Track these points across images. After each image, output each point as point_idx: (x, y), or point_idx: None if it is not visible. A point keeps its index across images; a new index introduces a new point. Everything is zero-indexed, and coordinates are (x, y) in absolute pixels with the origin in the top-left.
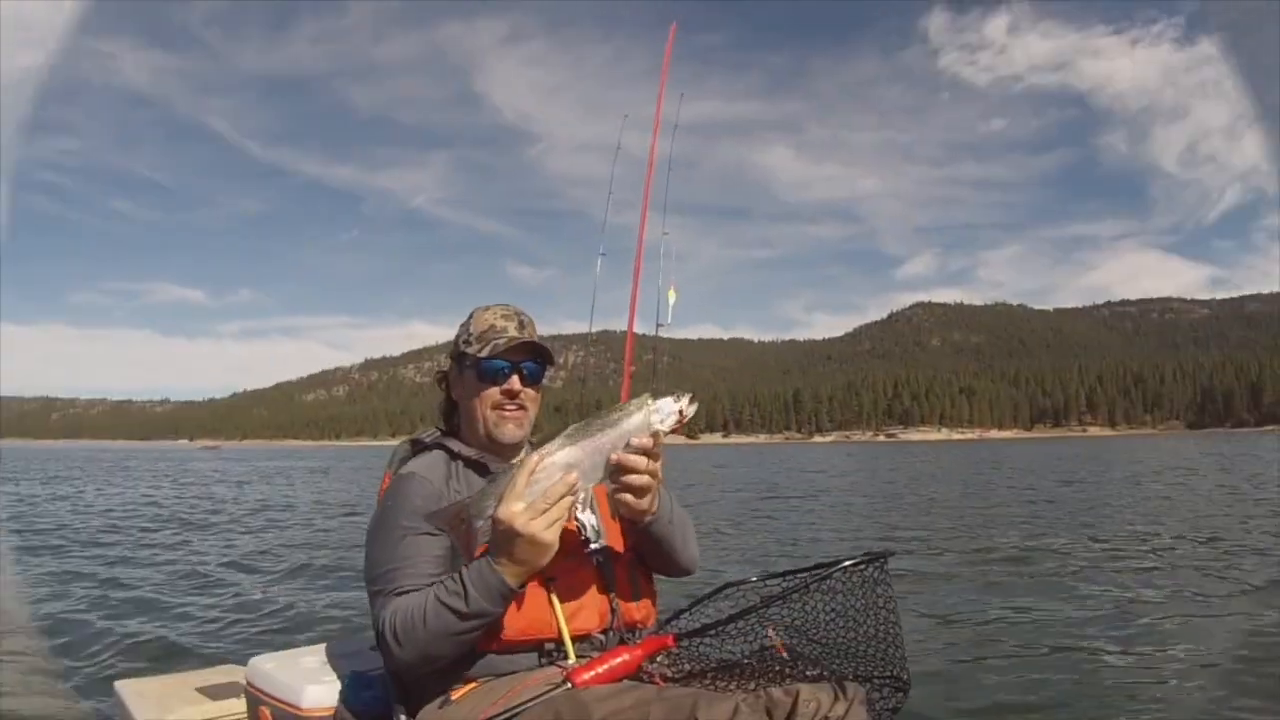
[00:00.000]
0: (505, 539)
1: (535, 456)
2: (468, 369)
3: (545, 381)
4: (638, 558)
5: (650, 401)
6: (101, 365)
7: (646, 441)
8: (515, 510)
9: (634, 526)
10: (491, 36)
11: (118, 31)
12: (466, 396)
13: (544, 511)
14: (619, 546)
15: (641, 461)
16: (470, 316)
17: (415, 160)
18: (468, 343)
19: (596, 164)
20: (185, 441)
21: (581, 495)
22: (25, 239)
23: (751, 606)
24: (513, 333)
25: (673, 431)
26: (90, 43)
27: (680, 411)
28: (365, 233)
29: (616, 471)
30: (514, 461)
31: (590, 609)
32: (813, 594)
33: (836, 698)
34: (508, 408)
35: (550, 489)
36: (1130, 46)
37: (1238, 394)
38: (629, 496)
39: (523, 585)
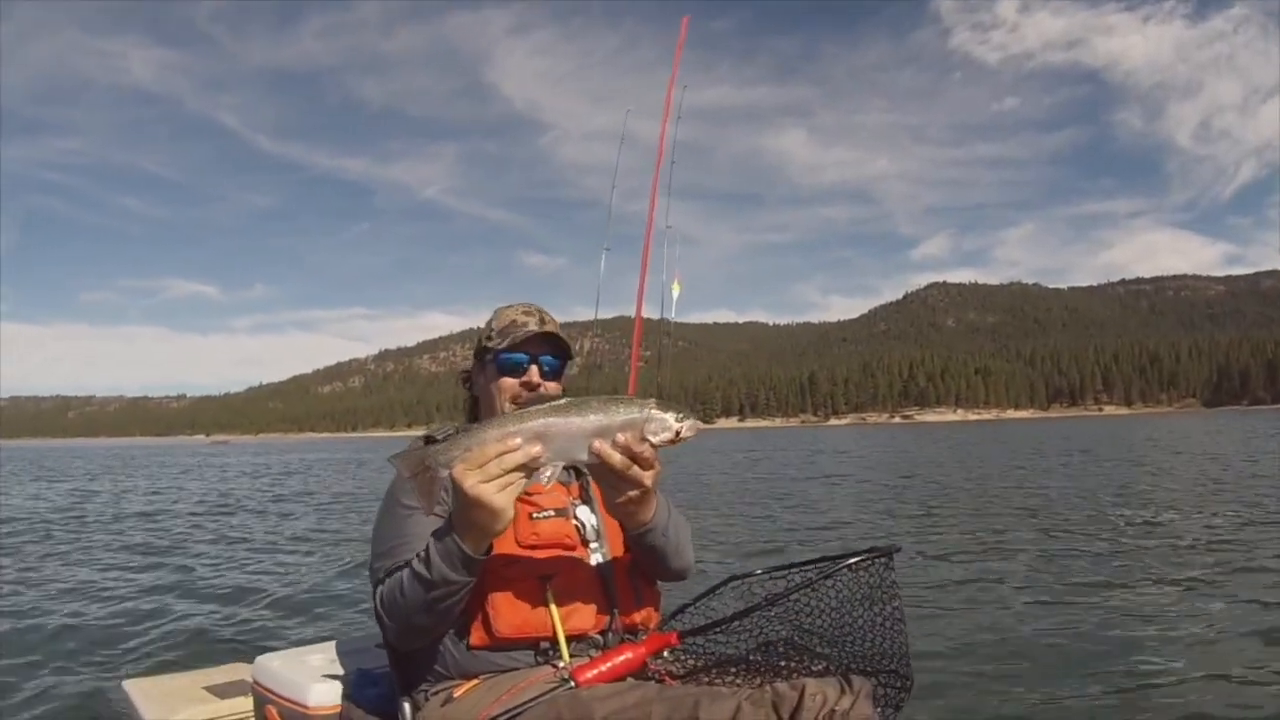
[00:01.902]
0: (458, 500)
1: (511, 418)
2: (489, 363)
3: (567, 374)
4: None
5: (652, 407)
6: (117, 363)
7: (633, 443)
8: (468, 473)
9: (625, 533)
10: (499, 27)
11: (123, 31)
12: (487, 390)
13: (496, 477)
14: (620, 546)
15: (617, 459)
16: (494, 314)
17: (426, 152)
18: (489, 338)
19: (606, 152)
20: (202, 437)
21: (549, 471)
22: (37, 239)
23: (756, 605)
24: (533, 327)
25: (663, 446)
26: (95, 42)
27: (677, 431)
28: (377, 225)
29: (596, 463)
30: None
31: (587, 609)
32: (818, 589)
33: (843, 691)
34: (525, 400)
35: (508, 456)
36: (1142, 23)
37: (1254, 371)
38: (616, 498)
39: (486, 553)
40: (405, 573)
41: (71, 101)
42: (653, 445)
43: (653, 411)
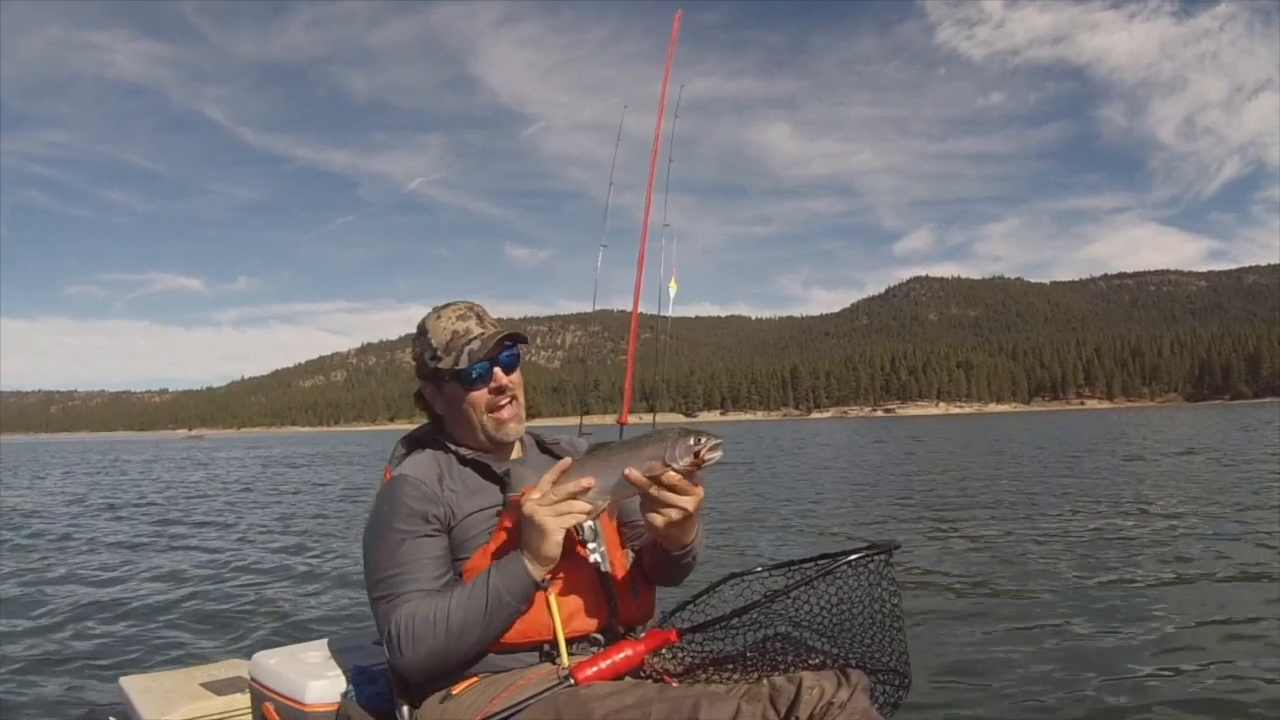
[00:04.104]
0: (522, 522)
1: (569, 459)
2: (447, 383)
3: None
4: (635, 558)
5: (679, 436)
6: (100, 357)
7: (656, 468)
8: (530, 497)
9: (665, 553)
10: (486, 19)
11: (110, 24)
12: (455, 407)
13: (552, 503)
14: (616, 547)
15: (644, 482)
16: (425, 331)
17: (411, 144)
18: (436, 358)
19: (593, 145)
20: (184, 431)
21: (600, 504)
22: (21, 233)
23: (755, 602)
24: (476, 331)
25: (688, 470)
26: (82, 35)
27: (696, 453)
28: (362, 217)
29: (636, 492)
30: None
31: (588, 610)
32: (817, 586)
33: (840, 684)
34: (501, 404)
35: (562, 484)
36: (1128, 20)
37: (1235, 366)
38: (653, 519)
39: (542, 583)
40: (453, 599)
41: (58, 94)
42: (675, 470)
43: (676, 439)
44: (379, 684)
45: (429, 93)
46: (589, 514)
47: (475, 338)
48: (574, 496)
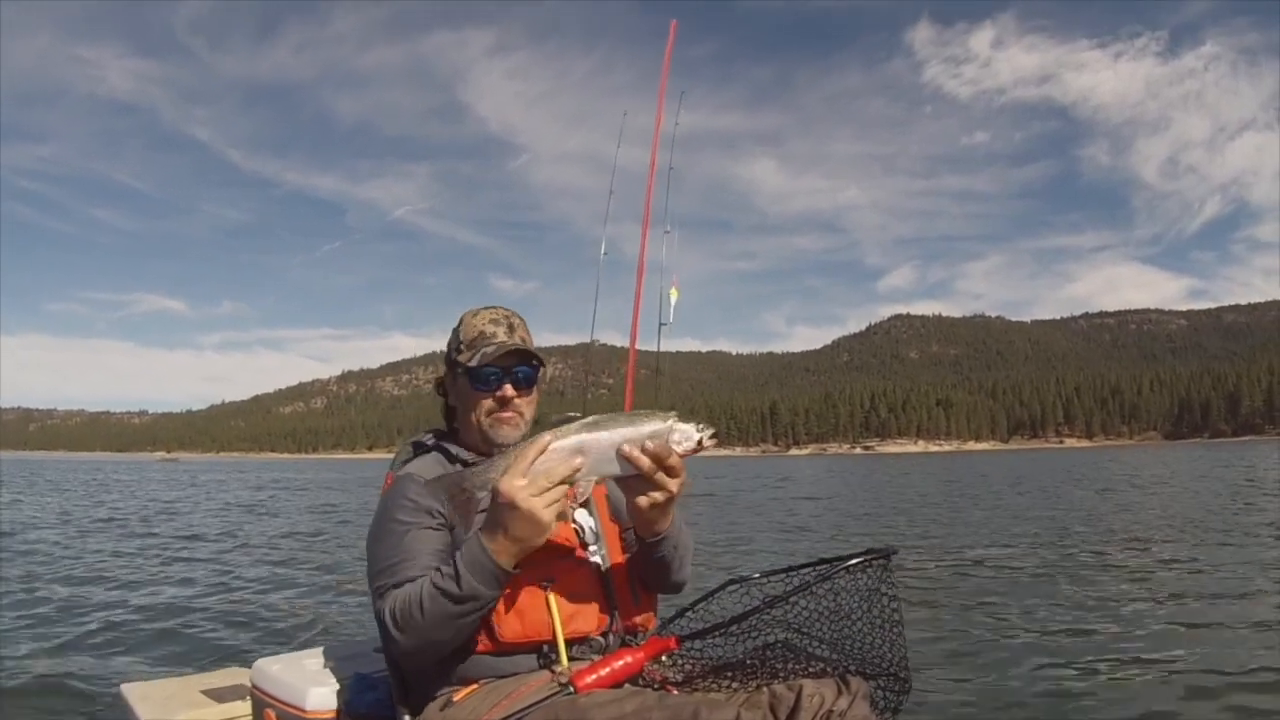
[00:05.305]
0: (504, 513)
1: (547, 436)
2: (460, 376)
3: (542, 384)
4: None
5: (674, 419)
6: (81, 376)
7: (661, 449)
8: (517, 485)
9: (641, 542)
10: (477, 47)
11: (101, 38)
12: (462, 403)
13: (545, 490)
14: (618, 549)
15: (646, 463)
16: (460, 322)
17: (398, 171)
18: (459, 350)
19: (580, 176)
20: (161, 454)
21: (583, 485)
22: (4, 247)
23: (754, 608)
24: (502, 338)
25: (686, 455)
26: (73, 49)
27: (699, 441)
28: (348, 244)
29: (628, 470)
30: (525, 440)
31: (588, 611)
32: (816, 591)
33: (840, 692)
34: (502, 414)
35: (554, 468)
36: (1114, 60)
37: (1215, 404)
38: (639, 501)
39: (516, 568)
40: (425, 590)
41: (46, 107)
42: (678, 454)
43: (676, 423)
44: (379, 691)
45: (417, 120)
46: (580, 497)
47: (494, 343)
48: (565, 481)
